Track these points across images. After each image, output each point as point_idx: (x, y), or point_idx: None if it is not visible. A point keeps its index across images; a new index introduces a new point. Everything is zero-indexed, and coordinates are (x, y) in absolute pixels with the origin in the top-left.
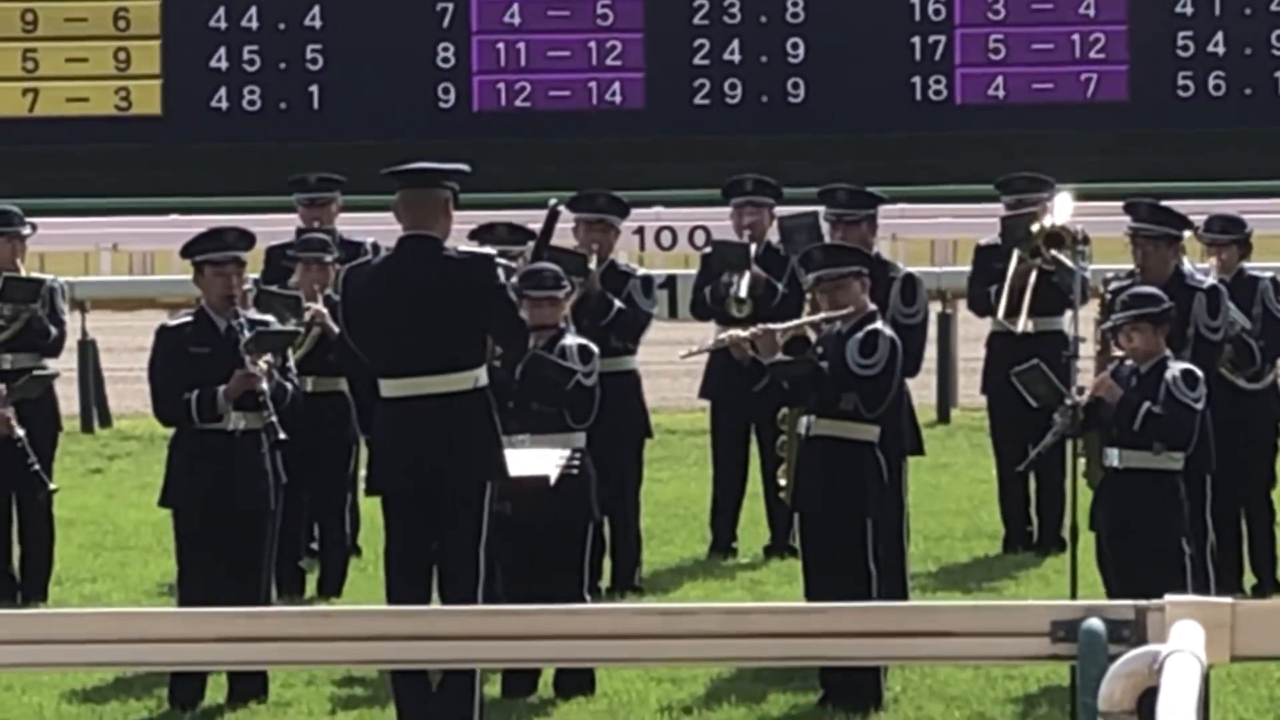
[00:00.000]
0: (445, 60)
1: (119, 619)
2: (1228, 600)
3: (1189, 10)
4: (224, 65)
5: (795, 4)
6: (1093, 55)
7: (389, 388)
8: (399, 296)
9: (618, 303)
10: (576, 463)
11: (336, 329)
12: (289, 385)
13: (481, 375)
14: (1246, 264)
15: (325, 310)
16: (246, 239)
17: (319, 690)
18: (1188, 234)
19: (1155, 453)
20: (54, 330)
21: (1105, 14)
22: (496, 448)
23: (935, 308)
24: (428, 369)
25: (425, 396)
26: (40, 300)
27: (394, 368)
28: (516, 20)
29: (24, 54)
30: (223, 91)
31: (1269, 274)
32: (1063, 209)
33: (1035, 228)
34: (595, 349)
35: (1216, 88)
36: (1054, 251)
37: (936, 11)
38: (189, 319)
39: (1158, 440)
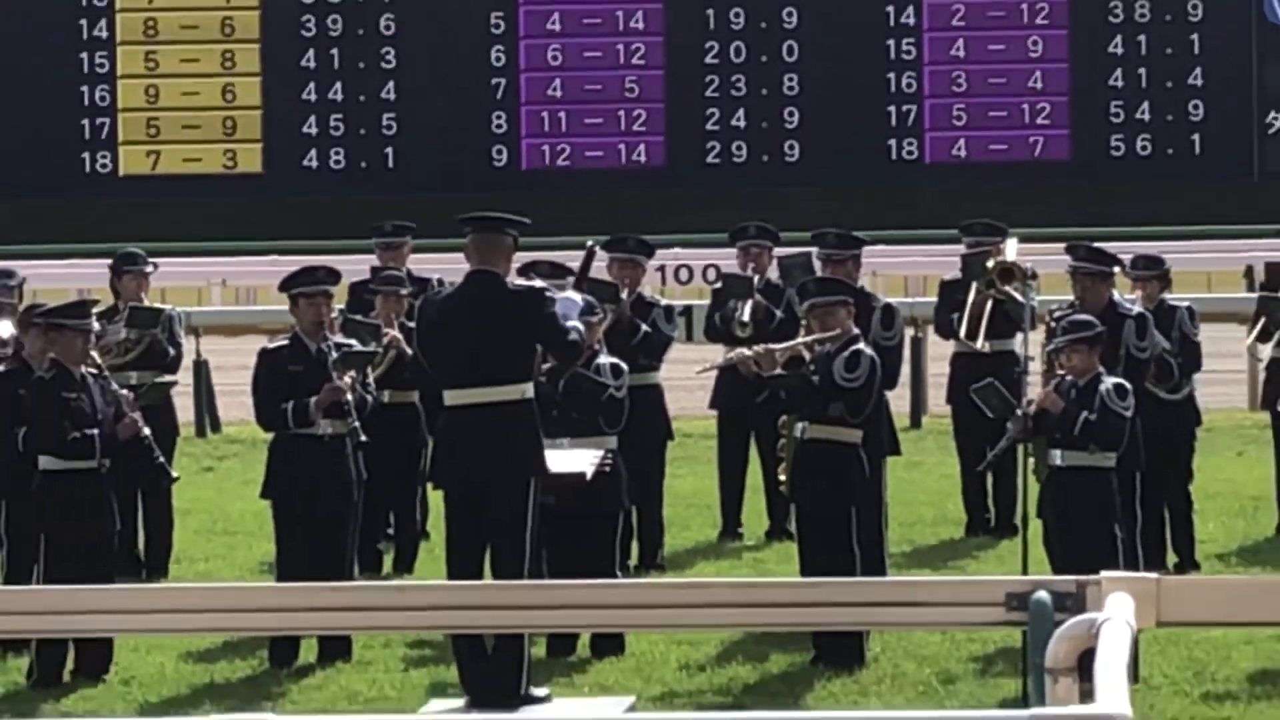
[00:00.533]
0: (499, 127)
1: (227, 592)
2: (1153, 576)
3: (1120, 84)
4: (314, 131)
5: (791, 79)
6: (1039, 121)
7: (452, 397)
8: (466, 322)
9: (644, 327)
10: (609, 462)
11: (410, 351)
12: (369, 397)
13: (529, 389)
14: (1166, 295)
15: (400, 335)
16: (333, 275)
17: (394, 651)
18: (1117, 270)
19: (1091, 453)
20: (172, 351)
21: (1050, 87)
22: (539, 449)
23: (909, 332)
24: (485, 382)
25: (481, 405)
26: (160, 326)
27: (457, 381)
28: (558, 94)
29: (148, 122)
30: (313, 153)
31: (1185, 303)
32: (1012, 250)
33: (990, 265)
34: (625, 366)
35: (1143, 148)
36: (1006, 285)
37: (909, 84)
38: (285, 342)
39: (1094, 443)
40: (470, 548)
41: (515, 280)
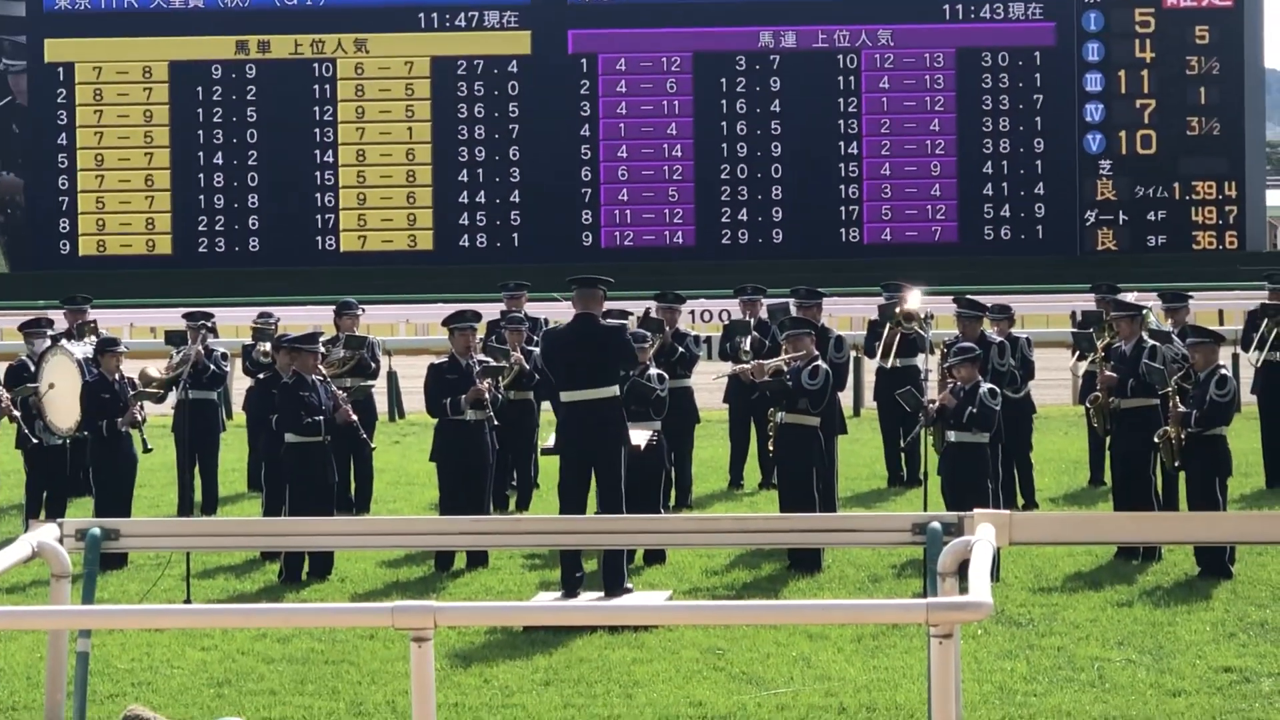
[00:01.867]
0: (586, 219)
1: (409, 522)
2: (1007, 512)
3: (989, 192)
4: (466, 221)
5: (777, 190)
6: (937, 217)
7: (567, 396)
8: (576, 347)
9: (680, 349)
10: (656, 438)
11: (529, 367)
12: (500, 396)
13: (616, 389)
14: (1014, 330)
15: (522, 356)
16: (477, 315)
17: (515, 562)
18: (985, 315)
19: (974, 434)
20: (373, 365)
21: (943, 196)
22: (625, 428)
23: (852, 354)
24: (589, 385)
25: (587, 400)
26: (366, 349)
27: (572, 385)
28: (626, 199)
29: (358, 218)
30: (466, 236)
31: (1024, 335)
32: (914, 300)
33: (898, 310)
34: (666, 376)
35: (1005, 234)
36: (910, 323)
37: (853, 194)
38: (445, 360)
39: (975, 427)
40: (578, 494)
41: (605, 320)
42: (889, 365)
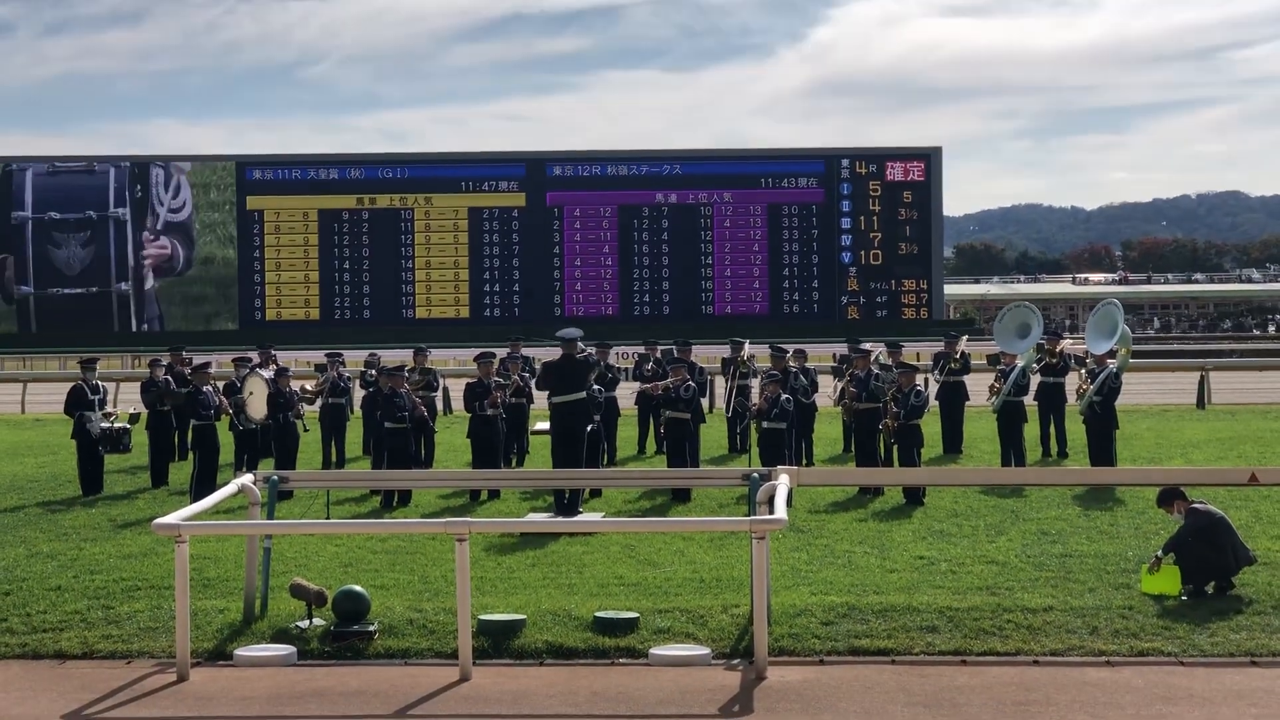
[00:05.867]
0: (558, 299)
1: (454, 474)
2: (796, 467)
3: (787, 285)
4: (487, 300)
5: (666, 282)
6: (757, 299)
7: (555, 399)
8: (563, 370)
9: (609, 374)
10: (598, 424)
11: (523, 385)
12: (504, 401)
13: (584, 394)
14: (805, 363)
15: (519, 379)
16: (493, 354)
17: (515, 496)
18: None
19: (778, 423)
20: (435, 384)
21: (760, 287)
22: (588, 418)
23: (710, 378)
24: (568, 392)
25: (568, 401)
26: (431, 375)
27: (558, 392)
28: (579, 285)
29: (425, 299)
30: (487, 310)
31: (811, 366)
32: (746, 348)
33: (739, 356)
34: (604, 389)
35: (797, 309)
36: (745, 363)
37: (709, 285)
38: (475, 380)
39: (780, 420)
40: (563, 456)
41: (577, 355)
42: (732, 385)
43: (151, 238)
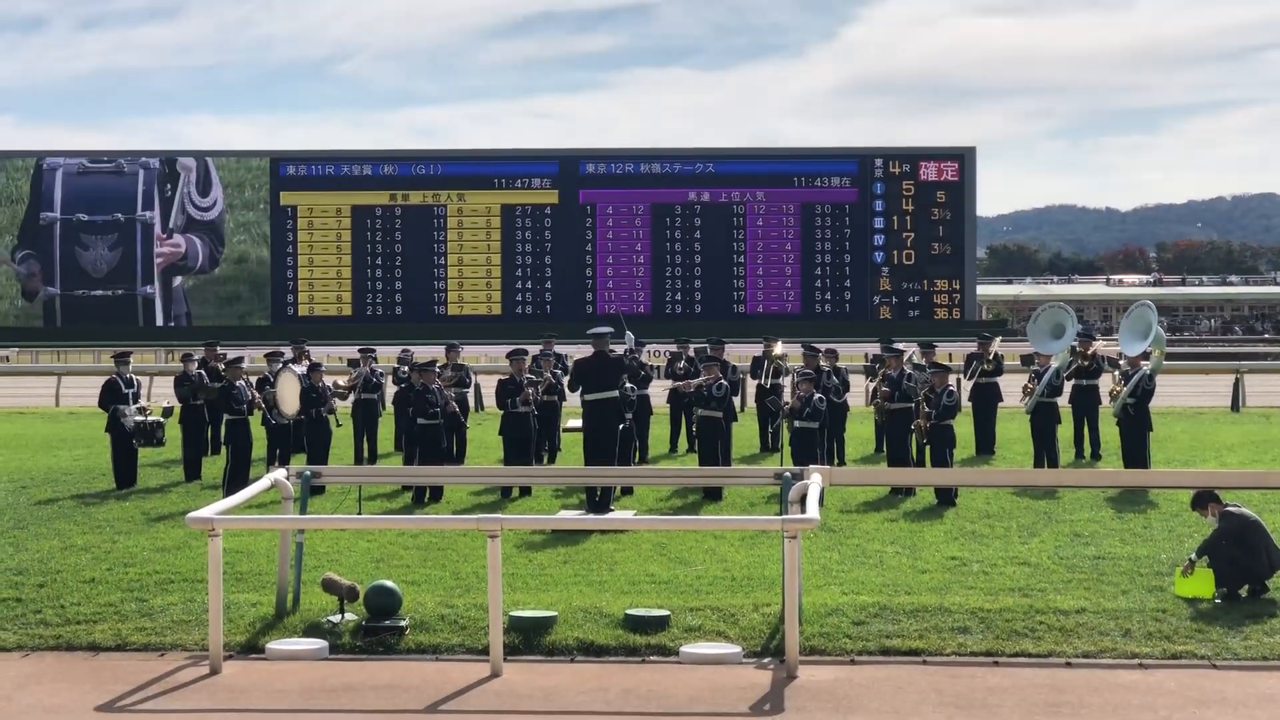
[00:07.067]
0: (589, 296)
1: (486, 470)
2: (828, 467)
3: (819, 285)
4: (519, 298)
5: (698, 281)
6: (789, 298)
7: (589, 396)
8: (595, 367)
9: (643, 372)
10: (629, 422)
11: (555, 382)
12: (538, 398)
13: (616, 393)
14: (837, 363)
15: (551, 376)
16: (525, 351)
17: (547, 493)
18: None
19: (810, 422)
20: (467, 380)
21: (792, 286)
22: (619, 416)
23: (743, 377)
24: (600, 390)
25: (601, 400)
26: (464, 371)
27: (592, 390)
28: (611, 283)
29: (458, 295)
30: (519, 308)
31: (843, 365)
32: (778, 346)
33: (771, 352)
34: (636, 388)
35: (829, 309)
36: (776, 359)
37: (740, 284)
38: (507, 377)
39: (811, 419)
40: (595, 453)
41: (609, 352)
42: (766, 384)
43: (165, 236)
